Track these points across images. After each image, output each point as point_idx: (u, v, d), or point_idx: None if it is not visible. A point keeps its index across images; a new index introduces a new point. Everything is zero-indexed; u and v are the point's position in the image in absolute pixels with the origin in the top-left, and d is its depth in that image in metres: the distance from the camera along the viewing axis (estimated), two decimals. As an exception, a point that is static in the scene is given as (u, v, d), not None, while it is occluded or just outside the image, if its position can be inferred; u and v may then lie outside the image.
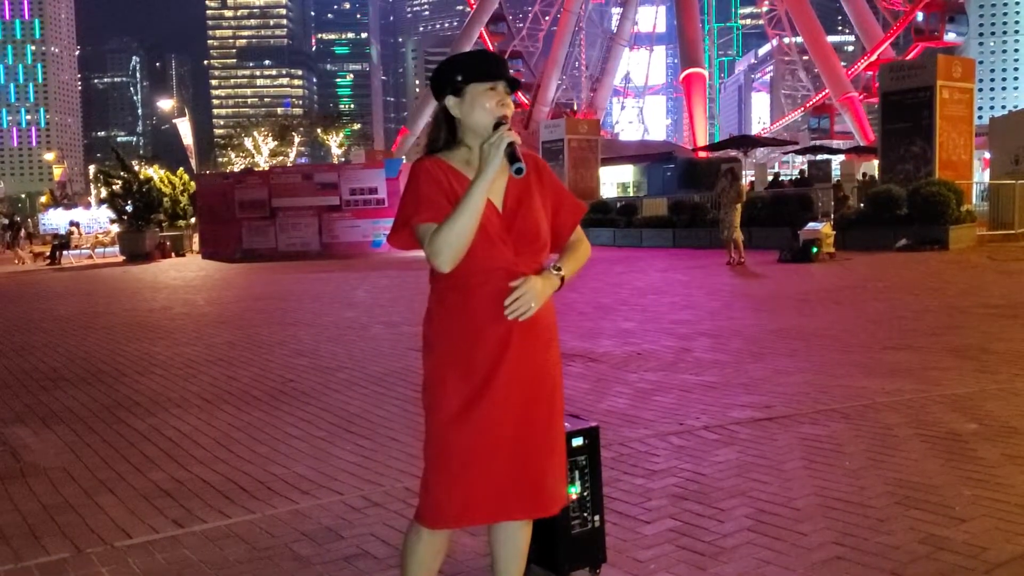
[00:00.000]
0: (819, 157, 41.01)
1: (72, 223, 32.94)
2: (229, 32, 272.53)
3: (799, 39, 77.59)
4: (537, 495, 2.51)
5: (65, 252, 29.74)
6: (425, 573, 2.61)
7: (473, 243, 2.34)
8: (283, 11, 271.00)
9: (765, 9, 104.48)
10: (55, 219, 40.48)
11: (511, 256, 2.41)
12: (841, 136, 69.76)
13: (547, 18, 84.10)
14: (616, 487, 4.18)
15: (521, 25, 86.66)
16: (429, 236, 2.34)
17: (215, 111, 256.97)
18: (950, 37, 65.71)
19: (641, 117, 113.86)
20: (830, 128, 71.77)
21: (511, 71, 2.51)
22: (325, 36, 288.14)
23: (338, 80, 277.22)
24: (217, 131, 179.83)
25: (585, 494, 3.15)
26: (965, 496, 3.92)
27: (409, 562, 2.60)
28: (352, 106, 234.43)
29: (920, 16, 64.36)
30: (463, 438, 2.43)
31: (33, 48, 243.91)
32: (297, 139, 78.51)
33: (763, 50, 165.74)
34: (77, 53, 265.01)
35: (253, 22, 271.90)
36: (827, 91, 72.44)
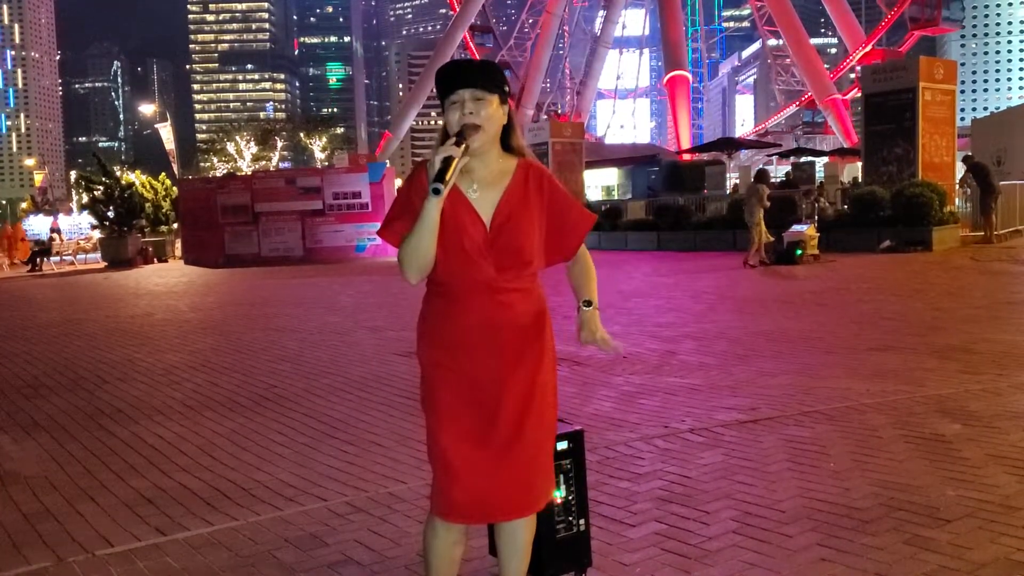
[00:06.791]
0: (803, 159, 41.12)
1: (53, 230, 32.68)
2: (211, 36, 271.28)
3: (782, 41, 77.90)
4: (526, 494, 2.58)
5: (46, 259, 29.58)
6: (447, 565, 2.70)
7: (452, 259, 2.45)
8: (265, 15, 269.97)
9: (747, 12, 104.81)
10: (37, 225, 40.18)
11: (492, 272, 2.49)
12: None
13: (536, 29, 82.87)
14: (601, 491, 4.18)
15: (505, 28, 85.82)
16: (400, 247, 2.45)
17: (197, 116, 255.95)
18: (946, 24, 65.83)
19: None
20: (824, 123, 71.80)
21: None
22: (307, 40, 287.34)
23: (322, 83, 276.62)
24: (199, 136, 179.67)
25: (570, 498, 3.14)
26: (949, 497, 3.93)
27: (428, 555, 2.71)
28: (335, 110, 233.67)
29: (914, 4, 64.55)
30: (452, 437, 2.52)
31: (13, 53, 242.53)
32: (280, 143, 78.13)
33: (747, 52, 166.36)
34: (58, 58, 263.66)
35: (235, 26, 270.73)
36: (810, 93, 72.81)
